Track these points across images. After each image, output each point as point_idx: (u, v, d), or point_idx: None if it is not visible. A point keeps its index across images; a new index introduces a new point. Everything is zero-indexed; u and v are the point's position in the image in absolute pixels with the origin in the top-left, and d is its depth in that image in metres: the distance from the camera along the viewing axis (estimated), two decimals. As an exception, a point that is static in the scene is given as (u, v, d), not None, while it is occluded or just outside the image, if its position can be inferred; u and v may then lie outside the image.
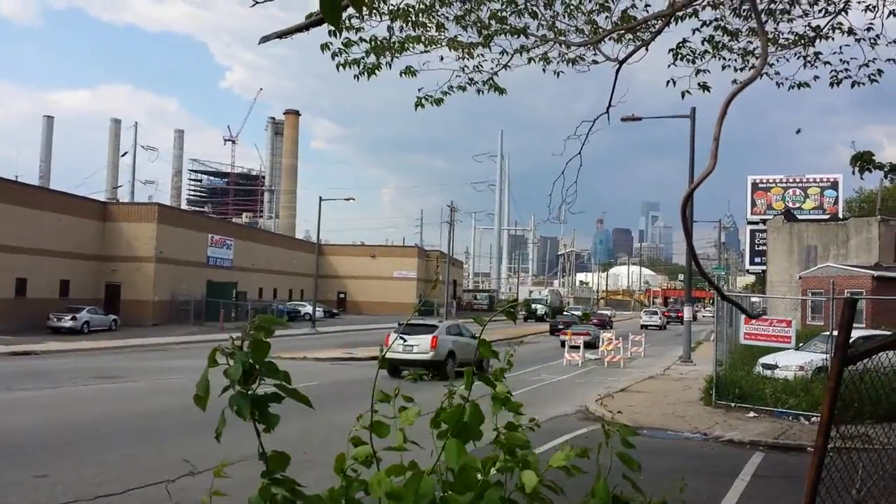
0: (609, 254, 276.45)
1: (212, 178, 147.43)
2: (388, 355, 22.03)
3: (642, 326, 63.00)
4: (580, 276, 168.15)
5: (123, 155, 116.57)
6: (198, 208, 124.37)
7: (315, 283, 57.47)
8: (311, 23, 3.77)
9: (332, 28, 6.35)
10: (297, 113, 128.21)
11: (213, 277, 57.51)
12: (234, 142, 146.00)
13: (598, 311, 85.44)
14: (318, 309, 58.58)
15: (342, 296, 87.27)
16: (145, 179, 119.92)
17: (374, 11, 7.56)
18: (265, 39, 3.95)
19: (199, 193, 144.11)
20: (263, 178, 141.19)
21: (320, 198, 54.12)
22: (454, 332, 24.95)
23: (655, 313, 74.99)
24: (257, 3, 3.91)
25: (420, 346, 22.88)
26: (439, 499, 2.09)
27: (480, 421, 2.24)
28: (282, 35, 3.82)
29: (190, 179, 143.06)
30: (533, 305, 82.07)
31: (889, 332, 15.82)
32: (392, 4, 7.78)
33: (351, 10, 6.41)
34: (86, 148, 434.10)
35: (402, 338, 22.71)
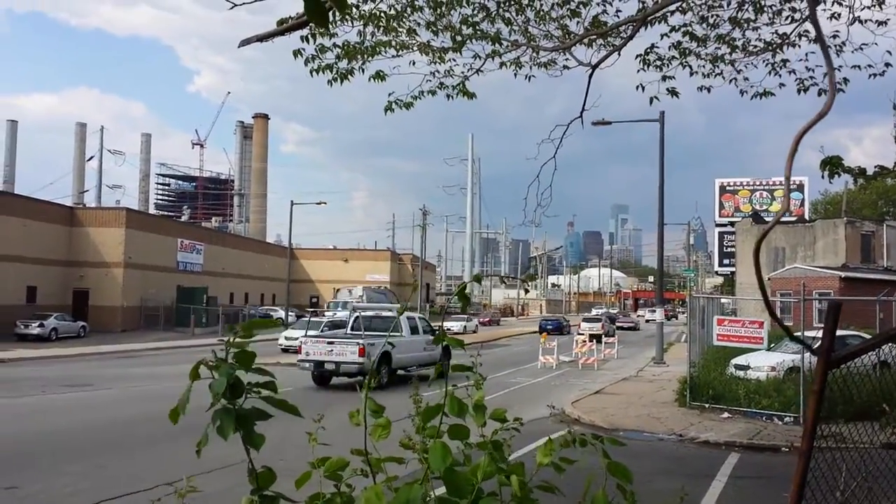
0: (580, 256, 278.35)
1: (180, 182, 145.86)
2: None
3: (647, 321, 79.41)
4: (552, 279, 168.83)
5: (89, 159, 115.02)
6: (166, 212, 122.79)
7: (287, 288, 56.98)
8: (293, 25, 3.69)
9: (319, 30, 6.25)
10: (266, 117, 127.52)
11: (182, 282, 56.81)
12: (202, 146, 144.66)
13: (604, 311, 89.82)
14: (290, 313, 58.12)
15: (315, 300, 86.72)
16: (112, 184, 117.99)
17: (347, 17, 7.48)
18: (245, 43, 3.85)
19: (167, 198, 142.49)
20: (233, 182, 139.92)
21: (292, 202, 53.89)
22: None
23: (655, 311, 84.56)
24: (236, 5, 3.81)
25: (596, 328, 44.11)
26: (432, 511, 2.01)
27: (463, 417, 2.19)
28: (262, 38, 3.73)
29: (158, 184, 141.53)
30: (336, 312, 46.54)
31: (856, 332, 16.04)
32: (363, 10, 7.72)
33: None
34: (51, 153, 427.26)
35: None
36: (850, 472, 4.78)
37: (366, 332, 22.17)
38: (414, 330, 23.45)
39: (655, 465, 11.75)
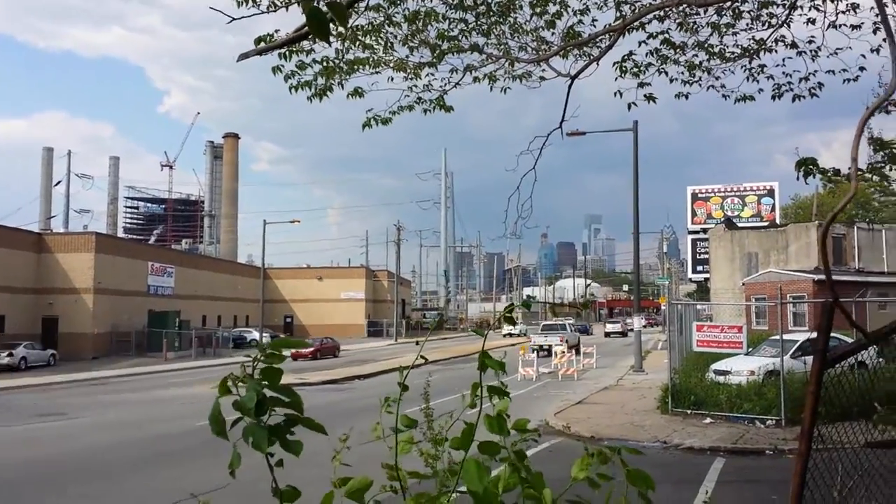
0: (553, 268, 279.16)
1: (149, 204, 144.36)
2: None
3: (607, 334, 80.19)
4: (527, 291, 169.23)
5: (57, 184, 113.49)
6: (136, 236, 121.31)
7: (261, 308, 56.50)
8: (294, 38, 3.69)
9: (322, 42, 6.24)
10: (236, 136, 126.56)
11: (154, 307, 56.07)
12: (171, 167, 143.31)
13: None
14: (265, 334, 57.54)
15: (289, 320, 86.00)
16: (80, 208, 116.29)
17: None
18: (244, 56, 3.84)
19: (136, 221, 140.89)
20: (203, 203, 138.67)
21: (265, 221, 53.51)
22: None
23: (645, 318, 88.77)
24: (234, 19, 3.79)
25: (616, 328, 73.85)
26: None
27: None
28: (262, 52, 3.72)
29: (126, 207, 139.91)
30: None
31: (833, 334, 16.28)
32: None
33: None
34: (17, 178, 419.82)
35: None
36: (847, 471, 4.83)
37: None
38: (570, 328, 47.96)
39: (643, 472, 11.78)
